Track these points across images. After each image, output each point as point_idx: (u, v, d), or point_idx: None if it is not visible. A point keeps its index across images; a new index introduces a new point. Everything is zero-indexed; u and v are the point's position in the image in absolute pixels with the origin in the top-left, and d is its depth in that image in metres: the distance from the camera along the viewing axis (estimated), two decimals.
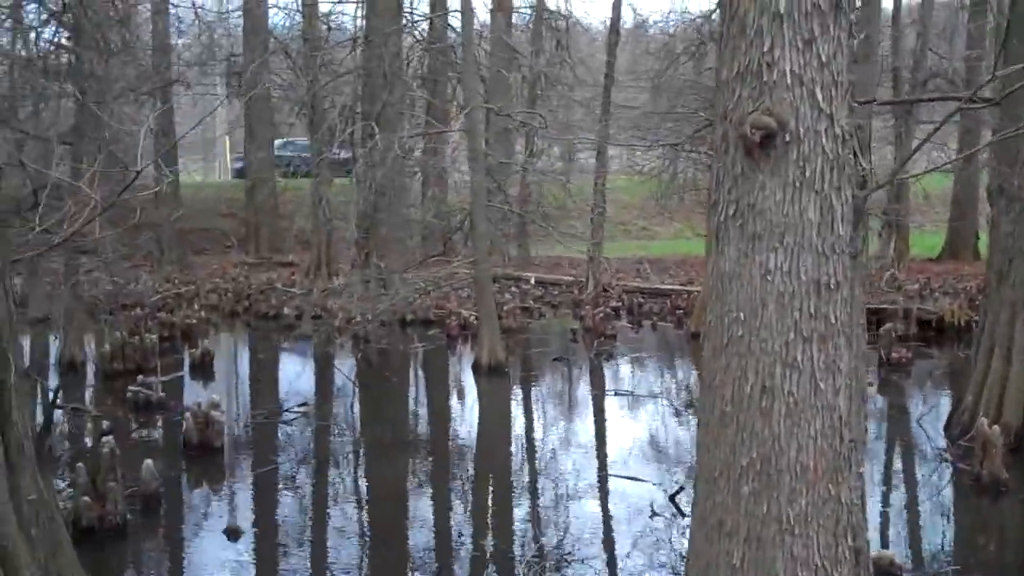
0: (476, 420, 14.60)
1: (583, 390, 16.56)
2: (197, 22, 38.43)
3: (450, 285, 21.51)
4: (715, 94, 5.56)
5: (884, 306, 20.98)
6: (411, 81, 31.13)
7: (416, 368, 18.65)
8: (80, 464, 9.00)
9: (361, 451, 12.61)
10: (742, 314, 5.02)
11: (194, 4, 38.89)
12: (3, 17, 19.09)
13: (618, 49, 28.29)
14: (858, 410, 5.26)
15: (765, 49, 4.95)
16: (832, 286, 4.95)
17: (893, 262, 27.99)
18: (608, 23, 29.09)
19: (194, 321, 20.74)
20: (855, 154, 5.20)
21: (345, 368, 17.79)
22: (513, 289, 26.23)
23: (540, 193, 33.55)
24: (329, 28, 33.10)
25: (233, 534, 8.86)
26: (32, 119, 17.98)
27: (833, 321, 4.95)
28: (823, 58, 4.94)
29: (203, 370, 16.69)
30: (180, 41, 40.35)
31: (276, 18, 37.65)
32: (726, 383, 5.09)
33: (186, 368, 16.82)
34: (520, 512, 9.98)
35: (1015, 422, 11.54)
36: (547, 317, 24.08)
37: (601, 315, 21.00)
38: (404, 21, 27.57)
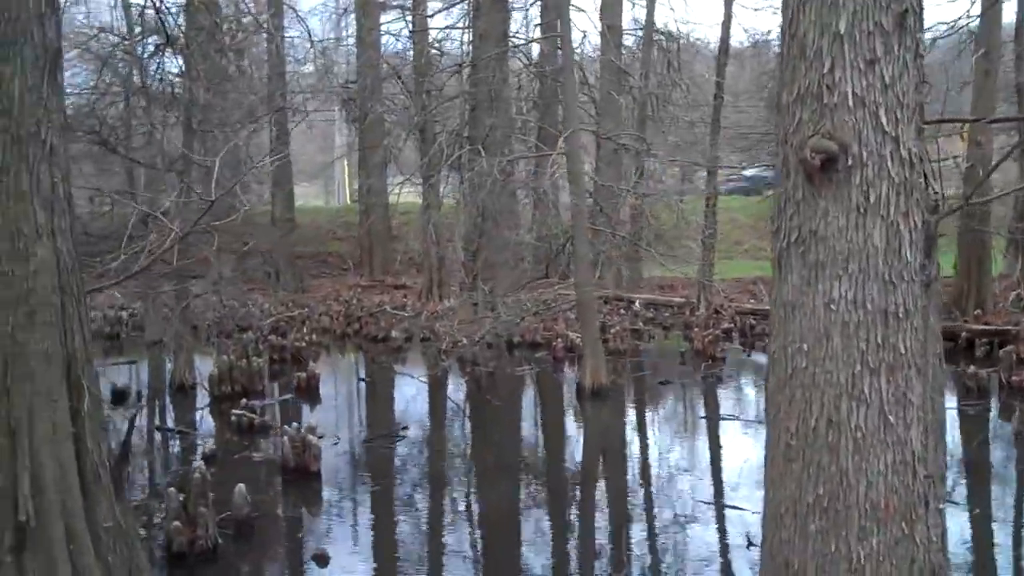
0: (576, 443, 14.49)
1: (687, 414, 16.31)
2: (312, 49, 39.20)
3: (558, 307, 21.42)
4: (776, 118, 5.41)
5: (1007, 327, 20.25)
6: (520, 104, 31.25)
7: (521, 391, 18.59)
8: (172, 489, 9.15)
9: (462, 474, 12.66)
10: (805, 345, 4.85)
11: (309, 32, 39.75)
12: (119, 46, 19.68)
13: (739, 68, 27.93)
14: (935, 444, 5.03)
15: (825, 70, 4.80)
16: (900, 315, 4.75)
17: (1018, 282, 26.99)
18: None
19: (303, 344, 21.00)
20: (926, 177, 4.99)
21: (450, 391, 17.84)
22: (622, 311, 25.99)
23: (652, 215, 33.26)
24: (441, 53, 33.44)
25: (321, 560, 8.90)
26: (145, 148, 18.43)
27: (903, 351, 4.76)
28: (886, 79, 4.76)
29: (309, 393, 16.87)
30: (294, 69, 41.25)
31: (388, 44, 38.09)
32: (791, 416, 4.92)
33: (292, 391, 16.98)
34: (615, 536, 9.82)
35: None
36: (657, 339, 23.78)
37: (710, 337, 20.65)
38: (510, 45, 27.55)
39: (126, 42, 19.94)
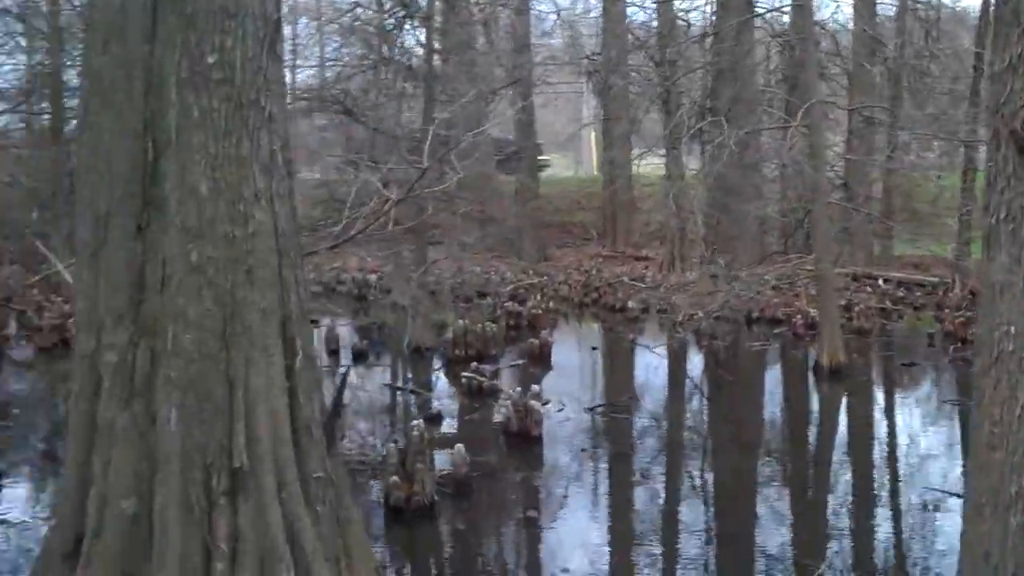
0: (804, 422, 14.13)
1: (928, 398, 15.62)
2: (558, 21, 39.45)
3: (797, 283, 20.89)
4: (987, 87, 5.08)
5: None
6: (768, 75, 30.54)
7: (756, 366, 18.27)
8: (392, 445, 9.46)
9: (683, 447, 12.53)
10: (1013, 327, 4.56)
11: (556, 4, 39.95)
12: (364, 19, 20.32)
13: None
14: None
15: None
16: None
17: None
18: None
19: (540, 311, 21.26)
20: None
21: (683, 363, 17.74)
22: (869, 289, 25.07)
23: (904, 190, 31.92)
24: (688, 24, 33.01)
25: (531, 522, 9.03)
26: (392, 117, 18.97)
27: None
28: None
29: (541, 359, 17.09)
30: (540, 41, 41.61)
31: (634, 15, 37.88)
32: (995, 403, 4.64)
33: (525, 357, 17.23)
34: (844, 522, 9.53)
35: None
36: (906, 319, 22.85)
37: (962, 319, 19.64)
38: (753, 14, 26.87)
39: (375, 14, 20.58)
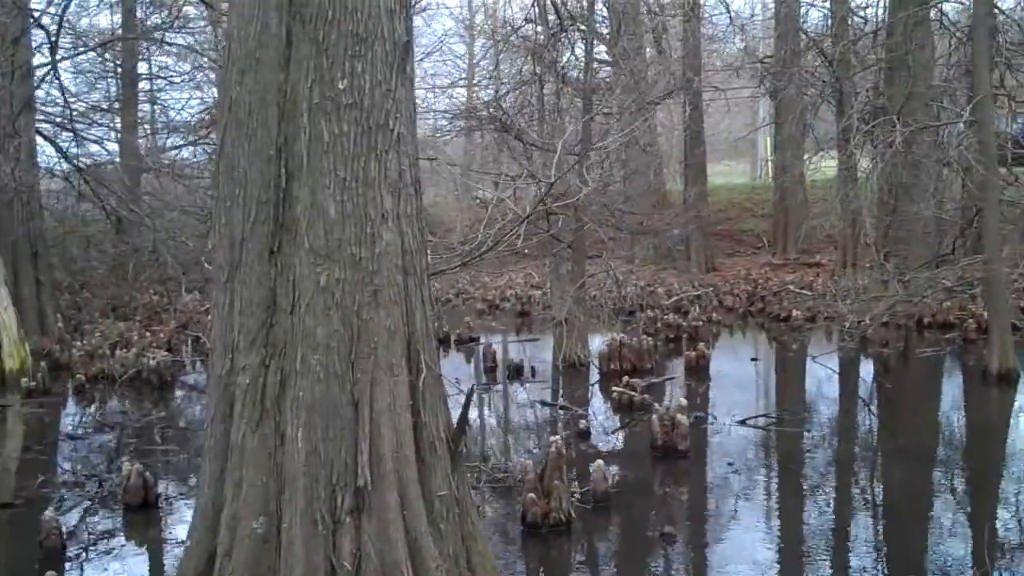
0: (973, 431, 13.57)
1: None
2: (731, 26, 38.99)
3: (967, 286, 20.08)
4: None
5: None
6: (948, 70, 29.42)
7: (925, 373, 17.65)
8: (529, 461, 9.49)
9: (839, 460, 12.14)
10: None
11: (728, 8, 39.52)
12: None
13: None
14: None
15: None
16: None
17: None
18: None
19: (701, 323, 21.06)
20: None
21: (847, 372, 17.28)
22: None
23: None
24: (865, 20, 32.11)
25: (668, 538, 8.93)
26: (550, 131, 19.05)
27: None
28: None
29: (698, 372, 16.91)
30: (714, 46, 41.17)
31: (808, 16, 37.10)
32: None
33: (681, 370, 17.07)
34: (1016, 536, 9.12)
35: None
36: None
37: None
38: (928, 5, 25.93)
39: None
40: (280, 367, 6.61)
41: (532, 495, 9.11)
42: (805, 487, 10.86)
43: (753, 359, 18.97)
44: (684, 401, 12.11)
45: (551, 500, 9.14)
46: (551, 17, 19.65)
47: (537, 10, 20.35)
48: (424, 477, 6.67)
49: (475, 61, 35.68)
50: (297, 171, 6.69)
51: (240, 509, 6.54)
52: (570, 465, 10.61)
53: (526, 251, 21.34)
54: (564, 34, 19.26)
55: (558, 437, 9.82)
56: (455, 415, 7.16)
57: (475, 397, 15.78)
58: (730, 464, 11.50)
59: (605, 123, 19.78)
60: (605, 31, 38.93)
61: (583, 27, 20.05)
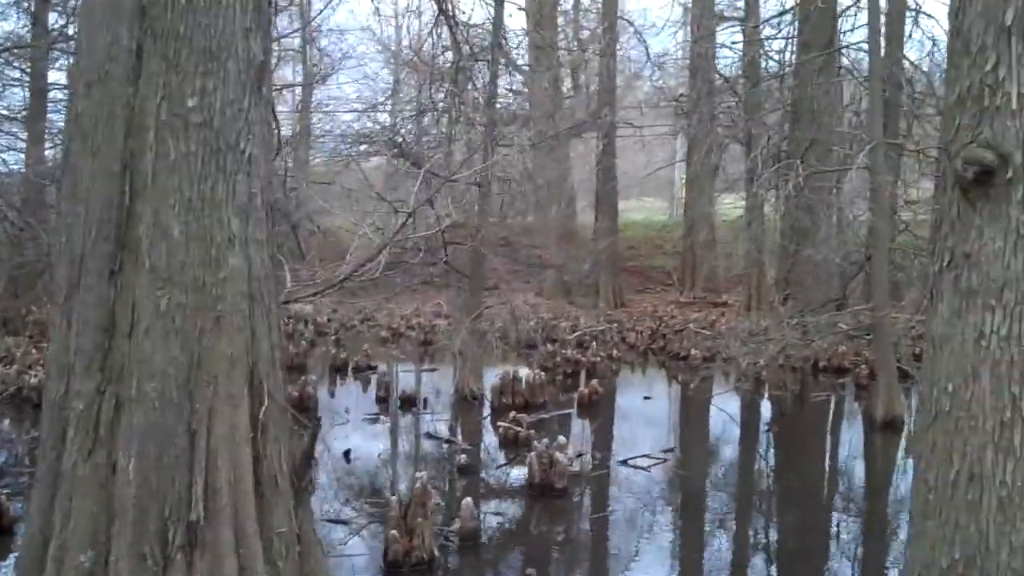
0: (851, 477, 13.59)
1: None
2: (648, 63, 39.31)
3: (855, 333, 20.29)
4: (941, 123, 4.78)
5: None
6: (853, 116, 29.88)
7: (816, 417, 17.73)
8: (394, 497, 9.27)
9: (720, 502, 12.09)
10: (951, 385, 4.23)
11: (646, 45, 39.82)
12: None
13: None
14: None
15: (988, 68, 4.18)
16: None
17: None
18: None
19: (598, 359, 20.98)
20: None
21: (736, 414, 17.31)
22: None
23: None
24: (779, 64, 32.52)
25: None
26: (446, 163, 18.96)
27: None
28: None
29: (589, 408, 16.77)
30: (636, 83, 41.55)
31: (722, 56, 37.56)
32: (931, 466, 4.32)
33: (574, 406, 16.95)
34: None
35: None
36: None
37: None
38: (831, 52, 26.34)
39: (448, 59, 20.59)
40: (116, 393, 6.35)
41: (395, 532, 8.87)
42: (681, 529, 10.78)
43: (646, 397, 18.90)
44: (563, 439, 11.94)
45: (414, 538, 8.91)
46: (465, 48, 19.58)
47: (449, 40, 20.29)
48: (263, 513, 6.43)
49: (398, 87, 35.61)
50: (142, 189, 6.48)
51: (68, 541, 6.26)
52: (448, 501, 10.45)
53: (422, 281, 21.18)
54: (476, 64, 19.10)
55: (424, 473, 9.60)
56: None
57: (366, 426, 15.53)
58: (608, 506, 11.37)
59: (508, 155, 19.68)
60: (523, 63, 39.13)
61: (501, 59, 20.00)
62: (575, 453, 12.74)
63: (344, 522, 10.41)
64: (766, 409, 17.73)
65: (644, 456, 13.37)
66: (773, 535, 10.87)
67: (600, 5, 38.87)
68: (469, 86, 20.00)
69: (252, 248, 6.66)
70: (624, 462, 13.18)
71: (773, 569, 9.69)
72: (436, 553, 8.99)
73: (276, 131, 15.16)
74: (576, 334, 24.51)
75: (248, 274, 6.61)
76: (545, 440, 11.93)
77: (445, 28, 19.53)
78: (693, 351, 22.65)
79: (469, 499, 9.78)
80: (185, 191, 6.43)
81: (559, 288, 33.37)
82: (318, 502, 10.57)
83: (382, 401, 17.14)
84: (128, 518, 6.10)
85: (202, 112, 6.49)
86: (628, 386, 20.87)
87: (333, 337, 25.26)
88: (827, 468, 14.32)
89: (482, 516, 10.25)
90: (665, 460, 13.29)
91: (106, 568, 6.12)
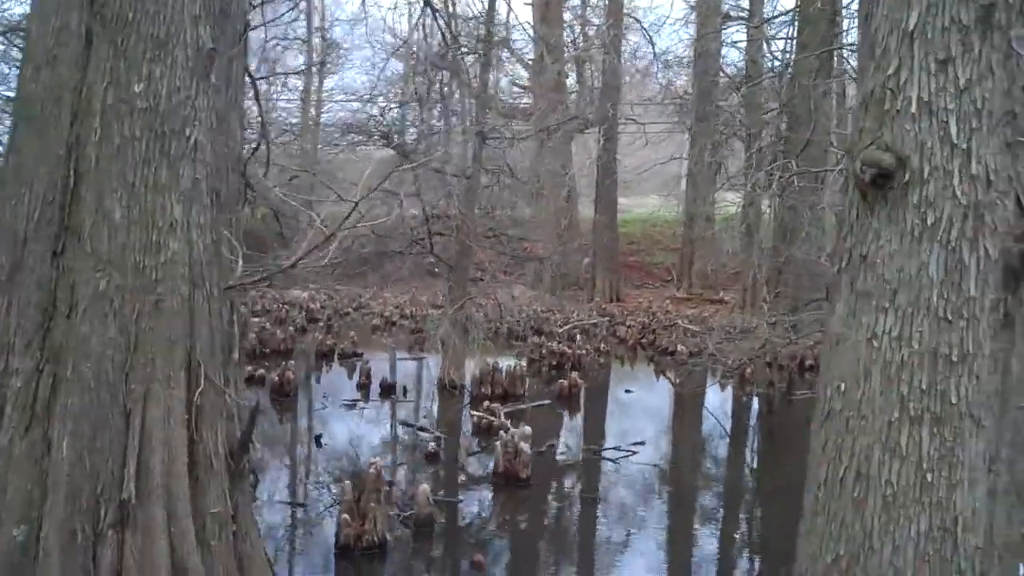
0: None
1: None
2: (655, 62, 39.34)
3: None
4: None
5: None
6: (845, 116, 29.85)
7: (799, 414, 17.70)
8: (347, 482, 9.31)
9: (687, 495, 12.09)
10: (843, 384, 4.25)
11: (652, 43, 39.88)
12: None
13: None
14: (1007, 512, 4.25)
15: (890, 72, 4.19)
16: (955, 358, 4.06)
17: None
18: None
19: (585, 352, 21.01)
20: (1020, 200, 4.22)
21: (718, 409, 17.34)
22: None
23: None
24: (785, 65, 32.45)
25: (477, 567, 8.79)
26: (427, 152, 18.94)
27: (954, 401, 4.06)
28: (961, 82, 4.09)
29: (569, 400, 16.84)
30: (637, 79, 41.51)
31: (727, 55, 37.60)
32: (821, 464, 4.35)
33: (554, 397, 16.97)
34: None
35: None
36: None
37: None
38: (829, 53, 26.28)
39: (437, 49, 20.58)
40: (54, 372, 6.39)
41: (346, 516, 8.92)
42: (641, 521, 10.77)
43: (628, 391, 18.92)
44: (528, 429, 11.95)
45: (366, 522, 8.95)
46: (464, 40, 19.58)
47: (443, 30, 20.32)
48: (197, 494, 6.45)
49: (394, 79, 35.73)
50: (86, 173, 6.50)
51: (2, 514, 6.29)
52: (410, 487, 10.52)
53: (425, 271, 21.24)
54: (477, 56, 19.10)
55: (377, 459, 9.67)
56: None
57: (343, 412, 15.59)
58: (572, 495, 11.41)
59: (499, 147, 19.68)
60: (528, 57, 39.18)
61: (494, 51, 20.03)
62: (546, 444, 12.79)
63: (302, 505, 10.47)
64: (749, 406, 17.74)
65: (614, 448, 13.40)
66: (733, 528, 10.88)
67: (607, 1, 38.88)
68: (465, 77, 20.03)
69: (194, 233, 6.67)
70: (594, 453, 13.22)
71: (719, 562, 9.71)
72: (388, 538, 9.05)
73: (260, 119, 15.32)
74: (566, 327, 24.53)
75: (189, 259, 6.62)
76: (512, 430, 11.96)
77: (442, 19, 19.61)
78: (680, 347, 22.66)
79: (425, 486, 9.87)
80: (128, 176, 6.45)
81: (556, 282, 33.42)
82: (279, 485, 10.66)
83: (363, 388, 17.22)
84: (61, 495, 6.13)
85: (148, 98, 6.51)
86: (613, 380, 20.91)
87: (325, 324, 25.33)
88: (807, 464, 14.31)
89: (442, 503, 10.28)
90: (635, 452, 13.30)
91: (38, 543, 6.16)
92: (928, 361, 4.07)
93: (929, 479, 4.05)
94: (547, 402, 16.61)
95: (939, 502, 4.05)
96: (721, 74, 35.37)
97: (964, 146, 4.07)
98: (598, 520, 10.70)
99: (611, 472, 12.52)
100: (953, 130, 4.08)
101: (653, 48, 39.72)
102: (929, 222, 4.08)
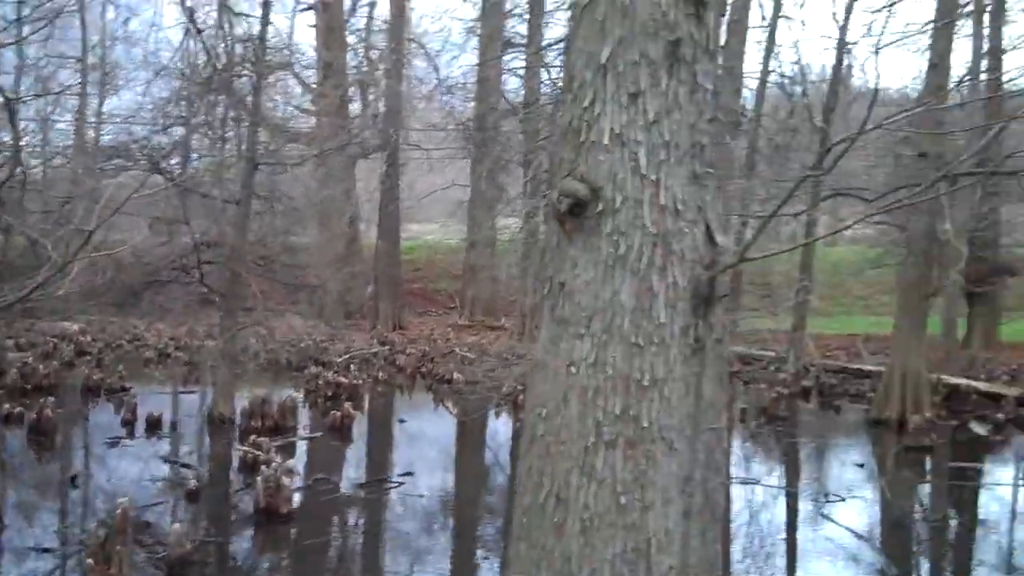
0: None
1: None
2: (439, 86, 39.61)
3: None
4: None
5: None
6: None
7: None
8: (95, 525, 8.97)
9: (449, 526, 12.15)
10: (544, 410, 4.32)
11: (437, 70, 40.20)
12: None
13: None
14: (701, 532, 4.40)
15: (585, 104, 4.29)
16: (646, 383, 4.17)
17: None
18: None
19: (361, 382, 20.90)
20: (708, 229, 4.40)
21: (492, 437, 17.50)
22: None
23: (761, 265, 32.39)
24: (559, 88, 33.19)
25: None
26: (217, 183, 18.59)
27: (646, 425, 4.17)
28: (651, 115, 4.22)
29: (342, 432, 16.68)
30: (416, 105, 41.66)
31: (507, 81, 38.18)
32: (526, 490, 4.39)
33: (326, 429, 16.79)
34: None
35: None
36: (737, 393, 22.84)
37: (775, 395, 19.81)
38: None
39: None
40: None
41: (91, 561, 8.57)
42: (402, 553, 10.74)
43: (402, 420, 18.89)
44: (291, 463, 11.80)
45: (111, 566, 8.62)
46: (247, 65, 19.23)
47: (213, 56, 19.95)
48: None
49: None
50: None
51: None
52: (167, 527, 10.20)
53: (199, 300, 20.70)
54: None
55: (125, 499, 9.30)
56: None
57: (105, 450, 15.03)
58: (334, 530, 11.31)
59: (274, 172, 19.40)
60: (312, 81, 38.87)
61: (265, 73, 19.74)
62: (313, 477, 12.64)
63: (48, 551, 10.02)
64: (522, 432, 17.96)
65: (381, 480, 13.34)
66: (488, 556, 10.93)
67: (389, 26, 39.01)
68: (235, 100, 19.70)
69: None
70: (360, 486, 13.13)
71: None
72: None
73: (15, 142, 14.68)
74: (345, 357, 24.33)
75: None
76: (274, 464, 11.74)
77: (221, 42, 19.28)
78: (456, 374, 22.79)
79: (178, 525, 9.63)
80: None
81: (338, 310, 33.12)
82: (29, 531, 10.21)
83: (128, 424, 16.65)
84: None
85: None
86: (391, 409, 20.85)
87: (95, 357, 24.41)
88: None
89: (199, 542, 10.01)
90: (402, 484, 13.25)
91: None
92: (621, 386, 4.17)
93: (623, 502, 4.14)
94: (319, 434, 16.41)
95: (633, 524, 4.15)
96: (502, 100, 35.93)
97: (653, 177, 4.20)
98: (359, 552, 10.63)
99: (380, 504, 12.47)
100: (643, 161, 4.20)
101: (437, 73, 40.09)
102: (621, 251, 4.19)
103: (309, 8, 37.96)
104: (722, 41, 31.70)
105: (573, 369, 4.24)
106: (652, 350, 4.19)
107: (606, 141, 4.24)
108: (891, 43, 42.86)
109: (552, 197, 4.35)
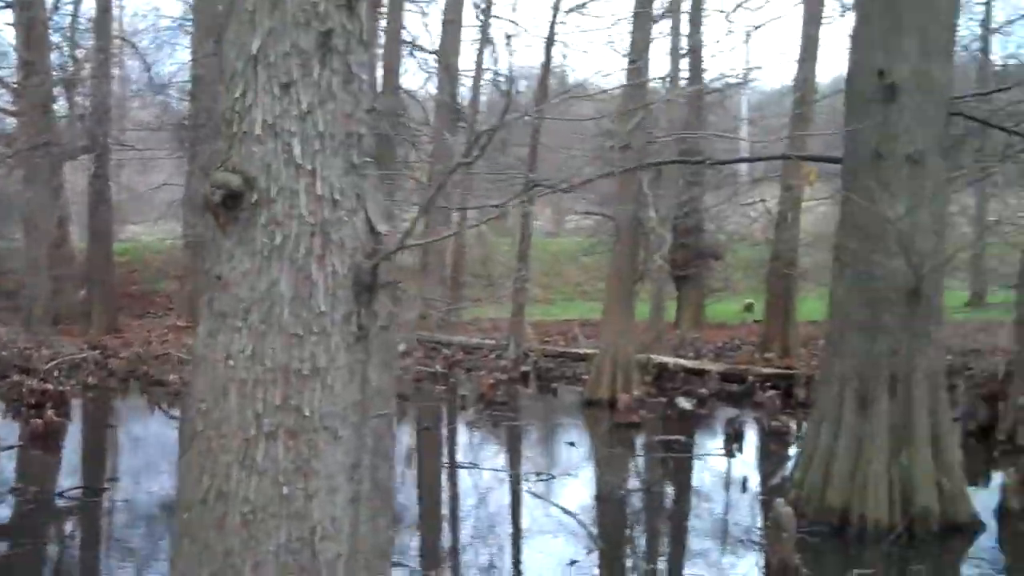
0: None
1: (425, 461, 15.95)
2: (148, 84, 38.36)
3: None
4: None
5: (792, 371, 20.35)
6: None
7: None
8: None
9: (150, 535, 11.73)
10: (204, 405, 4.27)
11: (149, 68, 38.95)
12: None
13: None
14: (371, 518, 4.47)
15: (237, 95, 4.26)
16: (306, 372, 4.19)
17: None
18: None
19: (67, 388, 20.01)
20: (368, 218, 4.45)
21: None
22: (432, 355, 25.60)
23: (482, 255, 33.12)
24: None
25: None
26: None
27: (308, 414, 4.18)
28: (304, 106, 4.23)
29: (45, 439, 15.89)
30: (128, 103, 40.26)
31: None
32: (187, 487, 4.34)
33: (26, 438, 15.97)
34: None
35: (838, 503, 10.87)
36: (460, 381, 23.26)
37: (493, 381, 20.29)
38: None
39: None
40: None
41: None
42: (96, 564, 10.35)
43: (110, 426, 18.23)
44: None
45: None
46: None
47: None
48: None
49: None
50: None
51: None
52: None
53: None
54: None
55: None
56: None
57: None
58: (26, 542, 10.75)
59: None
60: (13, 81, 36.87)
61: None
62: (8, 488, 12.06)
63: None
64: None
65: (82, 487, 12.84)
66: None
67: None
68: None
69: None
70: (60, 495, 12.58)
71: None
72: None
73: None
74: (52, 363, 23.19)
75: None
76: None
77: None
78: (171, 376, 22.18)
79: None
80: None
81: (47, 316, 31.55)
82: None
83: None
84: None
85: None
86: (100, 415, 20.07)
87: None
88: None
89: None
90: (107, 490, 12.80)
91: None
92: (281, 377, 4.17)
93: (286, 492, 4.14)
94: (19, 444, 15.59)
95: (297, 513, 4.16)
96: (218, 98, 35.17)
97: (309, 167, 4.21)
98: (51, 564, 10.19)
99: (79, 513, 11.97)
100: (297, 151, 4.20)
101: (149, 72, 38.88)
102: (277, 241, 4.18)
103: (7, 6, 35.99)
104: (437, 40, 32.35)
105: (231, 362, 4.21)
106: (312, 339, 4.21)
107: (258, 131, 4.22)
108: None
109: (205, 189, 4.29)
